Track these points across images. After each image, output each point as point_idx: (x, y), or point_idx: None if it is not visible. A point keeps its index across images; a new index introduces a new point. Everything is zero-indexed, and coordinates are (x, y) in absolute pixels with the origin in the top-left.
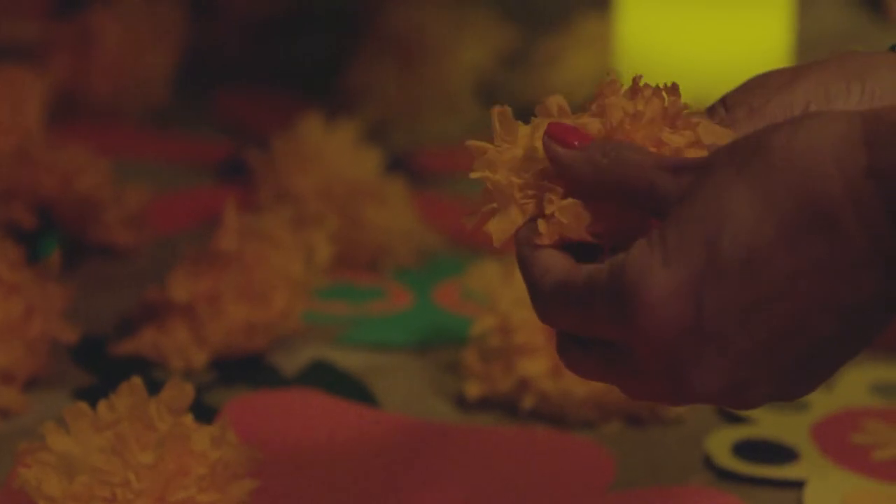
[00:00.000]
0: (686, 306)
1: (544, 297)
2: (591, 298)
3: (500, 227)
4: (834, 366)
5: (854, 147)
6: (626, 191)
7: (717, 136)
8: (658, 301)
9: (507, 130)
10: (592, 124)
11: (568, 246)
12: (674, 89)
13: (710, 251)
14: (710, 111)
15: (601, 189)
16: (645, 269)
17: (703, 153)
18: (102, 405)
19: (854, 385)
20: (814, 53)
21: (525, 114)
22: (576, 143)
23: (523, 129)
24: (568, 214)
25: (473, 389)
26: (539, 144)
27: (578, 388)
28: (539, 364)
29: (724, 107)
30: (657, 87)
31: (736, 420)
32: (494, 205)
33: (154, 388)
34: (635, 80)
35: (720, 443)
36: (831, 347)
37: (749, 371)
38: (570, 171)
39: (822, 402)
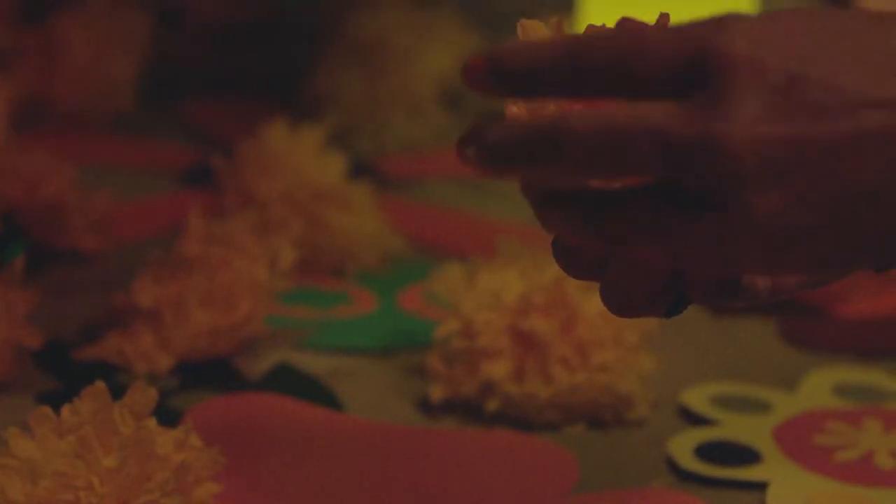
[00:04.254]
0: (779, 125)
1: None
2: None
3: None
4: (888, 254)
5: None
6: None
7: None
8: (753, 115)
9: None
10: None
11: None
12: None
13: (805, 75)
14: None
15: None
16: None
17: None
18: (66, 410)
19: (817, 387)
20: None
21: (490, 119)
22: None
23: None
24: None
25: (437, 392)
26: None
27: (542, 390)
28: (503, 367)
29: None
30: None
31: (699, 422)
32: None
33: (119, 392)
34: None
35: (683, 445)
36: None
37: (815, 216)
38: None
39: (785, 403)
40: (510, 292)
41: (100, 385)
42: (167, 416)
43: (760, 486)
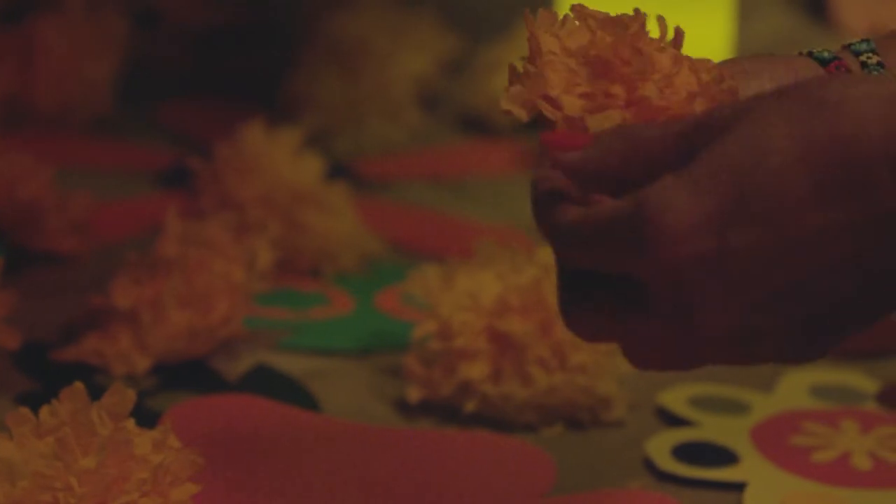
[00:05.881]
0: (708, 239)
1: (566, 229)
2: (612, 227)
3: (520, 93)
4: (845, 331)
5: None
6: (652, 163)
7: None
8: (681, 230)
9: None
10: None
11: None
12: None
13: (743, 187)
14: None
15: (629, 173)
16: (670, 198)
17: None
18: (45, 411)
19: (794, 387)
20: None
21: (467, 121)
22: (580, 144)
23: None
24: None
25: (415, 393)
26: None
27: (519, 391)
28: (480, 368)
29: None
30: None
31: (676, 423)
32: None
33: (97, 393)
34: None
35: (660, 446)
36: (846, 311)
37: (761, 319)
38: (590, 169)
39: (762, 404)
40: (487, 293)
41: (78, 386)
42: (145, 417)
43: (738, 487)
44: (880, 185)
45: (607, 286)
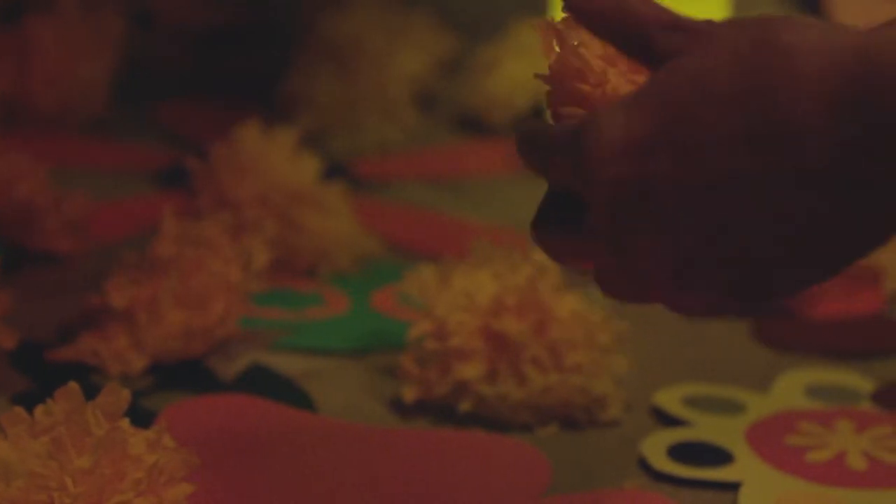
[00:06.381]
0: (633, 163)
1: (526, 137)
2: (560, 140)
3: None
4: (783, 286)
5: (845, 72)
6: (626, 41)
7: None
8: (608, 151)
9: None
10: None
11: None
12: None
13: (676, 116)
14: None
15: (608, 37)
16: (609, 118)
17: None
18: (39, 410)
19: (789, 388)
20: None
21: (464, 121)
22: None
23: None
24: None
25: (410, 393)
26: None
27: (515, 391)
28: (475, 368)
29: None
30: None
31: (672, 423)
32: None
33: (92, 393)
34: None
35: (656, 445)
36: (770, 268)
37: (693, 257)
38: (581, 16)
39: (758, 404)
40: (483, 293)
41: (73, 386)
42: (140, 417)
43: (733, 487)
44: (808, 143)
45: (577, 207)
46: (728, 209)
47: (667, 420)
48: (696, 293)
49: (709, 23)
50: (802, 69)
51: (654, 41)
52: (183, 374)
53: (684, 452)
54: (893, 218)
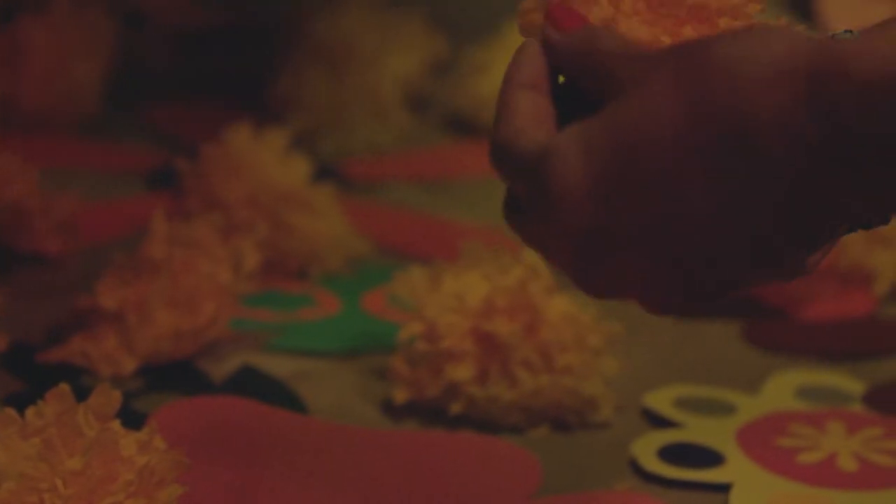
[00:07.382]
0: (592, 212)
1: (495, 144)
2: (523, 165)
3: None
4: (726, 286)
5: (794, 75)
6: (595, 77)
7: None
8: (567, 198)
9: None
10: (605, 8)
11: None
12: None
13: (631, 156)
14: None
15: (581, 75)
16: (566, 158)
17: None
18: (30, 412)
19: (780, 389)
20: None
21: (454, 123)
22: (567, 26)
23: None
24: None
25: (401, 394)
26: None
27: (506, 393)
28: (466, 369)
29: None
30: None
31: (662, 424)
32: None
33: (83, 394)
34: None
35: (646, 447)
36: (741, 273)
37: (657, 280)
38: (554, 54)
39: (748, 405)
40: (474, 295)
41: (64, 387)
42: (131, 419)
43: (723, 488)
44: (764, 152)
45: None
46: (691, 240)
47: (657, 421)
48: (661, 296)
49: (659, 50)
50: (741, 82)
51: (615, 73)
52: (173, 375)
53: (675, 454)
54: (842, 217)
